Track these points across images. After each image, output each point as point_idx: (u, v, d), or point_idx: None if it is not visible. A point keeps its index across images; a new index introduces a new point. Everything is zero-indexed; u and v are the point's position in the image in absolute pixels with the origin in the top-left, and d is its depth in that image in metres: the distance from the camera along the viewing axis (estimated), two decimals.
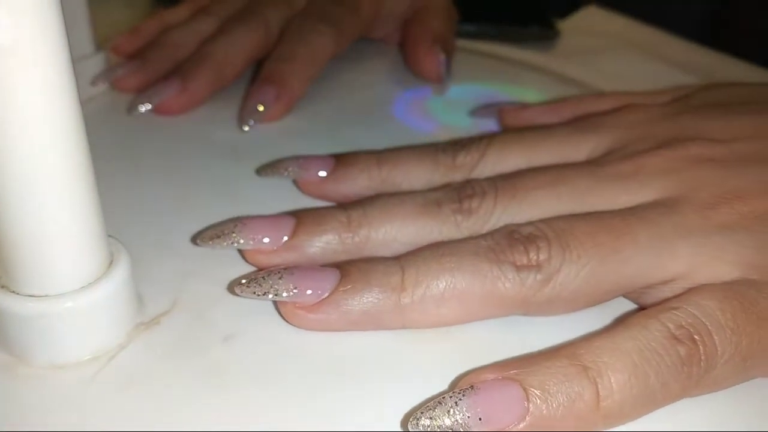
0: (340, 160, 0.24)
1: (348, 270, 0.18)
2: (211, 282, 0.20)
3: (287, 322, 0.18)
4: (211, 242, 0.20)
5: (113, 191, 0.24)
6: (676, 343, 0.16)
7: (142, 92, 0.29)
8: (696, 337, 0.16)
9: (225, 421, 0.16)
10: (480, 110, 0.29)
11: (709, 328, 0.16)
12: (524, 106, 0.28)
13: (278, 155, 0.25)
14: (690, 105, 0.24)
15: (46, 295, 0.16)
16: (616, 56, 0.42)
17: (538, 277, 0.18)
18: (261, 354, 0.18)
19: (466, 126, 0.29)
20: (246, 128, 0.28)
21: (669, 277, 0.18)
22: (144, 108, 0.29)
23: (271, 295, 0.18)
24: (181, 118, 0.29)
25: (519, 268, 0.18)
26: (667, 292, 0.18)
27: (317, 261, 0.20)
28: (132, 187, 0.25)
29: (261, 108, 0.29)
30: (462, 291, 0.18)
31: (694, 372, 0.16)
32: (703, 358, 0.16)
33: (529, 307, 0.18)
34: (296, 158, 0.24)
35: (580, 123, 0.24)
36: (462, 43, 0.40)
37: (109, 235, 0.18)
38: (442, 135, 0.29)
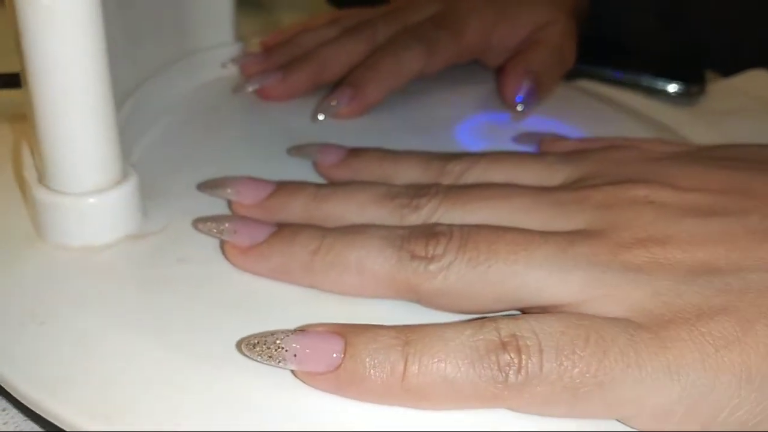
0: (351, 152, 0.27)
1: (283, 228, 0.22)
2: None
3: (225, 258, 0.22)
4: (207, 189, 0.24)
5: (187, 139, 0.30)
6: (500, 349, 0.17)
7: (251, 76, 0.35)
8: (522, 349, 0.17)
9: (149, 317, 0.20)
10: (523, 137, 0.30)
11: (541, 345, 0.17)
12: (562, 138, 0.29)
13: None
14: (685, 153, 0.23)
15: (69, 193, 0.22)
16: (753, 121, 0.39)
17: (429, 268, 0.19)
18: (197, 275, 0.22)
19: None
20: (319, 118, 0.33)
21: (556, 303, 0.19)
22: (249, 88, 0.35)
23: (217, 233, 0.22)
24: (275, 104, 0.35)
25: (414, 257, 0.20)
26: None
27: (282, 222, 0.23)
28: (202, 140, 0.30)
29: (334, 103, 0.33)
30: (362, 266, 0.20)
31: (510, 381, 0.16)
32: (522, 372, 0.16)
33: (419, 295, 0.20)
34: (318, 144, 0.27)
35: (568, 154, 0.24)
36: (589, 85, 0.41)
37: (132, 165, 0.24)
38: None
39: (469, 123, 0.34)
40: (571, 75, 0.40)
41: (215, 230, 0.22)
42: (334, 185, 0.24)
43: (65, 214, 0.22)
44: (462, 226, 0.20)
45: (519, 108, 0.34)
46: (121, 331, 0.20)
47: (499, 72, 0.36)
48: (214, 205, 0.25)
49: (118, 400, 0.18)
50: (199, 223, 0.22)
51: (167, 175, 0.27)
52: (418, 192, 0.23)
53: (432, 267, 0.19)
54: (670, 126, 0.37)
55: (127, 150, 0.25)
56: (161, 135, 0.30)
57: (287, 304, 0.21)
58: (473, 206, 0.21)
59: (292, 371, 0.18)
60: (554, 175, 0.23)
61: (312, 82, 0.35)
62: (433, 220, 0.22)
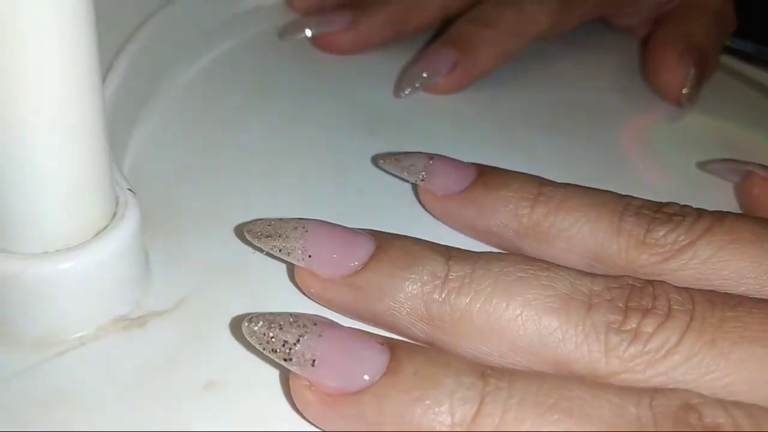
0: (484, 177, 0.17)
1: (398, 355, 0.12)
2: (235, 292, 0.14)
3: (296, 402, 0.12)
4: (259, 239, 0.14)
5: (206, 129, 0.20)
6: None
7: (308, 16, 0.24)
8: None
9: None
10: (718, 165, 0.20)
11: None
12: None
13: (418, 134, 0.18)
14: None
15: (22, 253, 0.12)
16: None
17: None
18: (233, 421, 0.12)
19: (690, 179, 0.20)
20: (403, 95, 0.22)
21: None
22: (306, 33, 0.24)
23: (283, 357, 0.12)
24: (339, 61, 0.24)
25: None
26: None
27: (379, 317, 0.14)
28: (230, 128, 0.20)
29: (428, 72, 0.22)
30: None
31: None
32: None
33: None
34: (427, 156, 0.17)
35: None
36: (730, 62, 0.30)
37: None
38: (656, 181, 0.21)
39: (614, 116, 0.24)
40: None
41: (281, 352, 0.12)
42: (474, 261, 0.14)
43: (14, 289, 0.12)
44: (753, 415, 0.11)
45: (685, 103, 0.24)
46: None
47: (648, 46, 0.26)
48: (254, 261, 0.15)
49: None
50: (246, 326, 0.12)
51: (179, 197, 0.17)
52: (635, 298, 0.13)
53: None
54: None
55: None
56: (162, 126, 0.19)
57: None
58: (744, 353, 0.12)
59: None
60: None
61: (387, 31, 0.24)
62: (665, 367, 0.12)
